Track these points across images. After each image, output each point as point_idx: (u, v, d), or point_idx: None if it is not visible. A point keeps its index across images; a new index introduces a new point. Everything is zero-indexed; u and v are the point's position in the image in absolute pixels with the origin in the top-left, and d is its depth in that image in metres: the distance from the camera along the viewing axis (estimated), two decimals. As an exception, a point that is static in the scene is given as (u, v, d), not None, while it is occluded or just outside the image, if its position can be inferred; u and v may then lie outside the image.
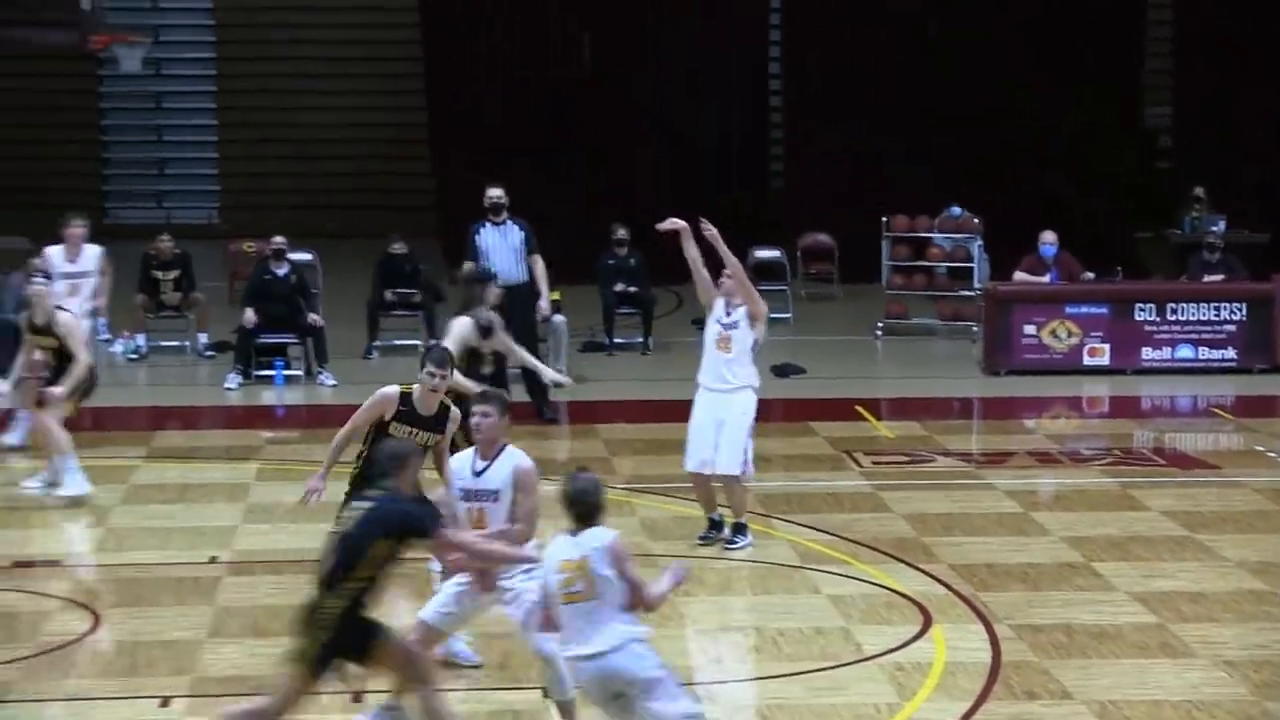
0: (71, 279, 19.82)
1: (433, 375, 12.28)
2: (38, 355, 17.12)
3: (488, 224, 20.63)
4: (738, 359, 15.27)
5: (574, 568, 9.85)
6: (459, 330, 15.53)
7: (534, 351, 20.26)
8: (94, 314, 20.76)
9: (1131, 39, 32.25)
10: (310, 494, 12.69)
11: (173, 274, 24.70)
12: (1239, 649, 13.00)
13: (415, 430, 12.43)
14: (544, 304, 20.81)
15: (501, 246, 20.55)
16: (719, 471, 15.37)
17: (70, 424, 17.15)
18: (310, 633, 10.26)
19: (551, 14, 31.97)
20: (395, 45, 35.51)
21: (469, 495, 11.24)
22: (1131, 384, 23.07)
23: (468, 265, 19.06)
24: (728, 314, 15.31)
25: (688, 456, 15.42)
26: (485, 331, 15.49)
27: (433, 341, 13.20)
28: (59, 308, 17.24)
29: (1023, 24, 31.35)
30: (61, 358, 16.90)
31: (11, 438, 18.83)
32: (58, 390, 16.71)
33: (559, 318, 22.78)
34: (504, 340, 15.95)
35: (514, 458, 11.28)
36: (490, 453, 11.25)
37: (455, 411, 12.57)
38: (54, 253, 19.93)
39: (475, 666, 12.58)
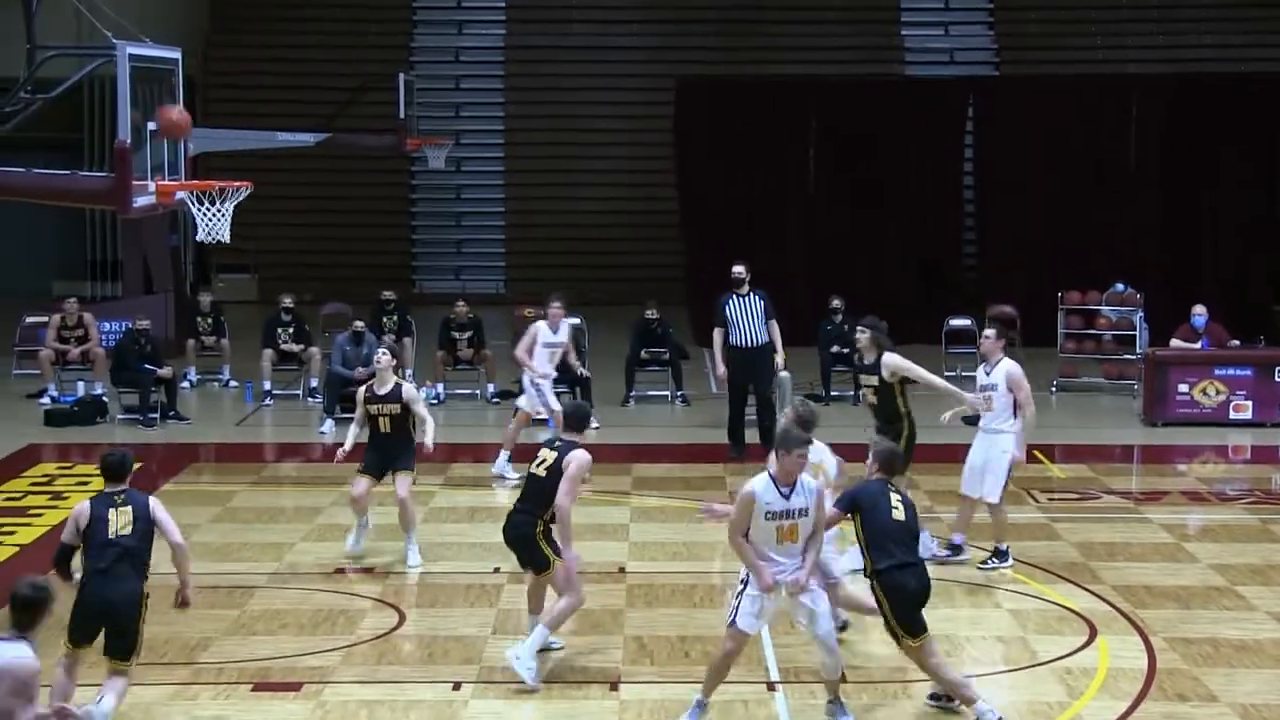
0: (551, 348, 19.97)
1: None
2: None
3: (734, 295, 20.60)
4: (998, 414, 15.38)
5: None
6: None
7: (769, 398, 20.33)
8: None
9: (1272, 142, 31.65)
10: (571, 562, 12.55)
11: (467, 334, 25.05)
12: (1366, 663, 12.65)
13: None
14: (779, 360, 20.77)
15: (745, 313, 20.52)
16: (985, 499, 15.44)
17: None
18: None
19: (780, 131, 32.09)
20: (652, 146, 35.76)
21: (780, 515, 11.14)
22: (1271, 435, 22.49)
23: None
24: (986, 374, 15.35)
25: (963, 482, 15.64)
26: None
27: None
28: (400, 379, 16.00)
29: (1175, 138, 31.08)
30: (400, 424, 15.65)
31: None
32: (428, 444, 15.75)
33: (785, 373, 22.78)
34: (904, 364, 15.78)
35: (810, 483, 11.29)
36: (791, 481, 11.19)
37: None
38: (541, 327, 19.94)
39: (560, 649, 12.88)
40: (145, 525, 10.99)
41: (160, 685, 12.20)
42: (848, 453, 20.58)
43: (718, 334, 20.64)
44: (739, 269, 20.61)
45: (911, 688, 12.00)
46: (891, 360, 15.62)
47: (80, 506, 11.17)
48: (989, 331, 15.68)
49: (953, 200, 33.16)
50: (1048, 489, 19.08)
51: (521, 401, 19.98)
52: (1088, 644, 13.16)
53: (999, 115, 32.34)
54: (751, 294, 20.54)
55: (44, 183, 13.49)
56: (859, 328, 16.03)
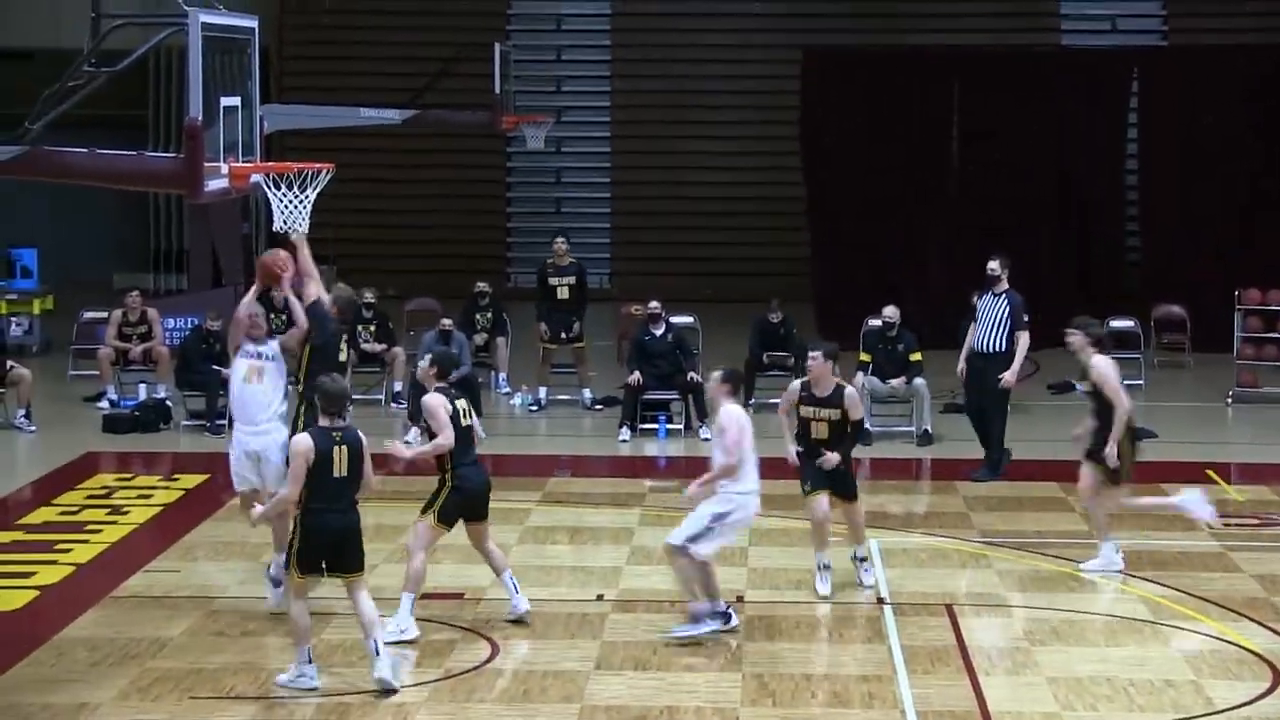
0: None
1: None
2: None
3: (988, 292, 20.43)
4: None
5: None
6: None
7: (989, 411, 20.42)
8: None
9: None
10: None
11: (568, 279, 25.04)
12: None
13: None
14: (1009, 375, 20.25)
15: (989, 314, 20.31)
16: None
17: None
18: None
19: (919, 108, 31.94)
20: (776, 125, 35.63)
21: None
22: None
23: None
24: None
25: None
26: None
27: None
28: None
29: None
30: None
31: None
32: None
33: (920, 380, 22.66)
34: None
35: None
36: None
37: None
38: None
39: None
40: None
41: (228, 722, 12.28)
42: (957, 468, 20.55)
43: (971, 331, 20.69)
44: (993, 264, 20.47)
45: None
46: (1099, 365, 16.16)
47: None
48: None
49: (1114, 186, 32.87)
50: (1223, 513, 18.74)
51: None
52: (1271, 691, 12.95)
53: (1168, 90, 32.02)
54: (1006, 295, 20.32)
55: (107, 164, 13.57)
56: (1069, 330, 16.38)
